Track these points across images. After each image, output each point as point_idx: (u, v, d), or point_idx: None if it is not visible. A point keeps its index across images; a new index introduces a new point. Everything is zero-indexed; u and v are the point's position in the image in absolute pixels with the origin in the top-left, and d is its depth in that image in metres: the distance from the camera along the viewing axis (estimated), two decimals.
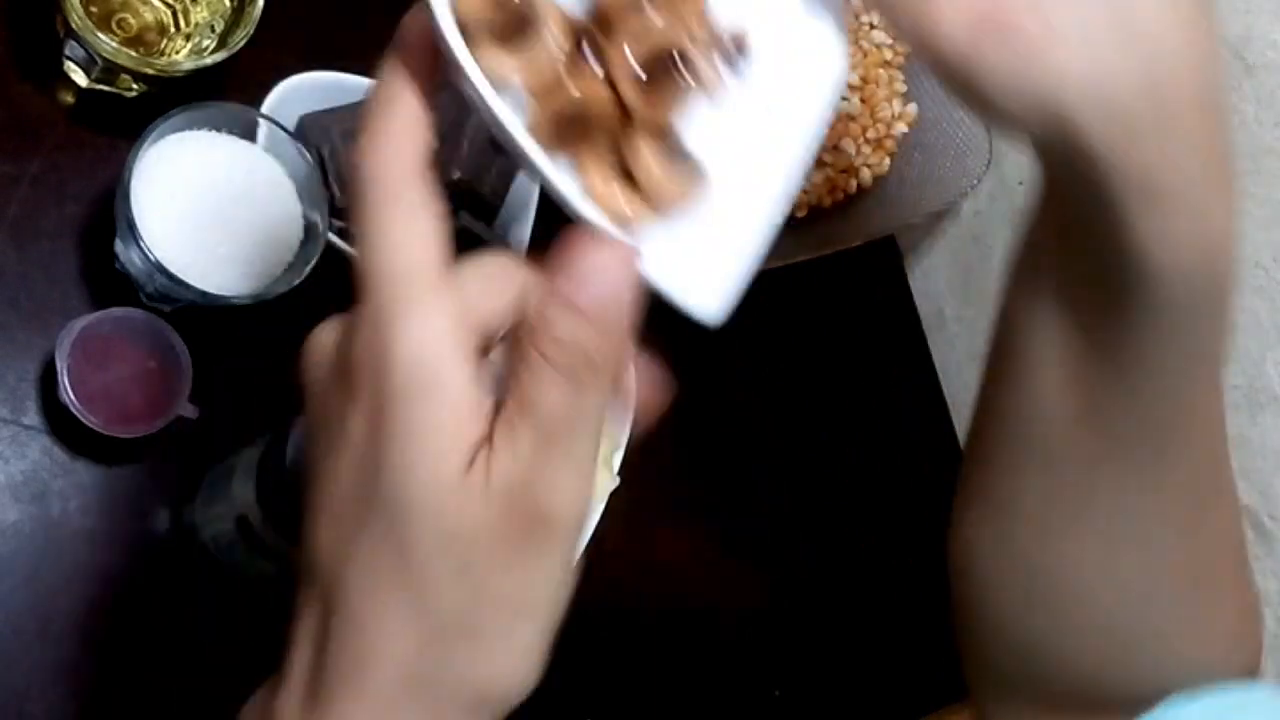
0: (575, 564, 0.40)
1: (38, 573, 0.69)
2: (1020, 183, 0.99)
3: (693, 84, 0.42)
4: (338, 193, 0.76)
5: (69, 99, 0.75)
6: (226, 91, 0.75)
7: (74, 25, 0.69)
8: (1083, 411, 0.48)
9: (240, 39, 0.72)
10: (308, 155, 0.73)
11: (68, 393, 0.67)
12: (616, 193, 0.40)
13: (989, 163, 0.95)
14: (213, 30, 0.75)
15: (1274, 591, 0.84)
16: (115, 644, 0.69)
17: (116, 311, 0.70)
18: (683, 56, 0.42)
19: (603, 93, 0.40)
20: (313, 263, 0.71)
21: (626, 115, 0.41)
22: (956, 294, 1.06)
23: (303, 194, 0.73)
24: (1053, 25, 0.39)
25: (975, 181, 0.95)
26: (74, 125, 0.75)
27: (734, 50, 0.44)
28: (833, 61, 0.46)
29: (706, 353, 0.92)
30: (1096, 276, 0.44)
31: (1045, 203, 0.47)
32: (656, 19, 0.42)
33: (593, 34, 0.40)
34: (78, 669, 0.68)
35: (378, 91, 0.39)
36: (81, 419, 0.68)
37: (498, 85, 0.38)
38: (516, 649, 0.39)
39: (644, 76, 0.41)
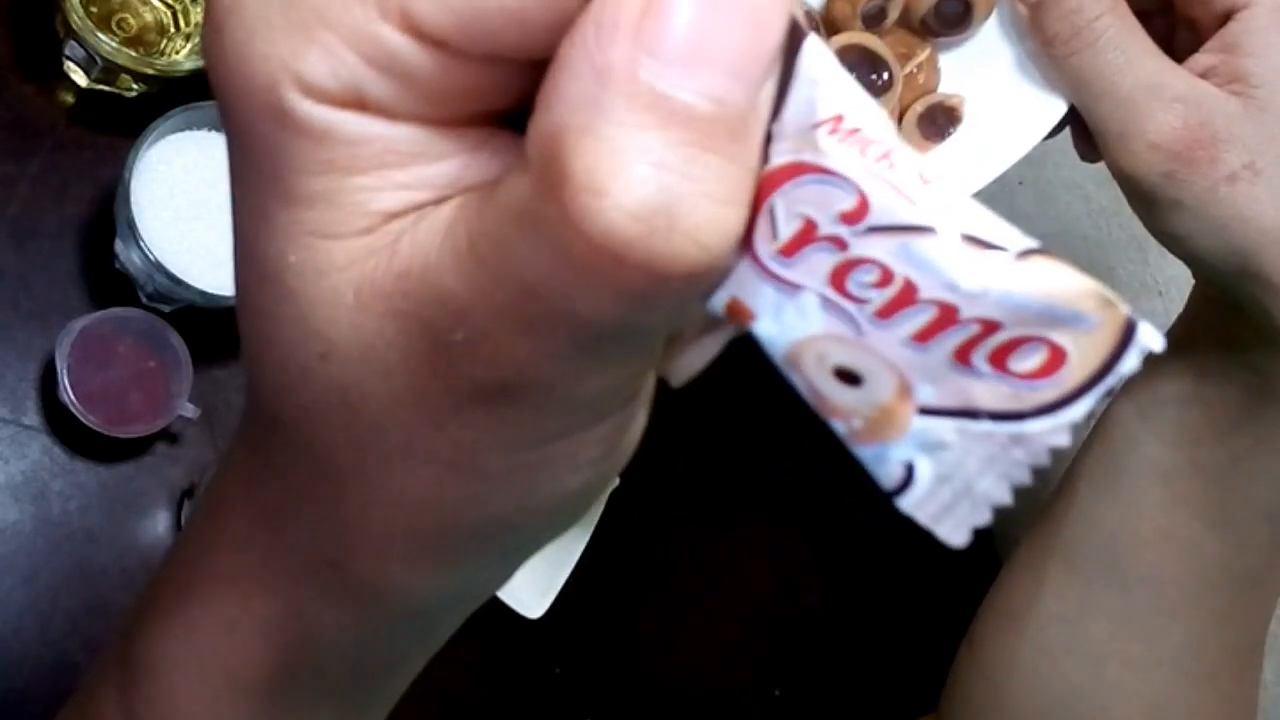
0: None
1: (38, 573, 0.69)
2: (1020, 183, 0.99)
3: (881, 94, 0.44)
4: None
5: (69, 99, 0.75)
6: None
7: (74, 25, 0.69)
8: (1174, 535, 0.49)
9: None
10: None
11: (68, 393, 0.67)
12: None
13: None
14: None
15: None
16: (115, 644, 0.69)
17: (116, 311, 0.70)
18: (887, 71, 0.43)
19: None
20: None
21: None
22: None
23: None
24: (1253, 163, 0.41)
25: None
26: (74, 125, 0.75)
27: (945, 115, 0.46)
28: (1026, 137, 0.47)
29: None
30: (1241, 398, 0.47)
31: (1193, 319, 0.49)
32: (878, 41, 0.44)
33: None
34: (78, 669, 0.68)
35: None
36: (81, 419, 0.68)
37: None
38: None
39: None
